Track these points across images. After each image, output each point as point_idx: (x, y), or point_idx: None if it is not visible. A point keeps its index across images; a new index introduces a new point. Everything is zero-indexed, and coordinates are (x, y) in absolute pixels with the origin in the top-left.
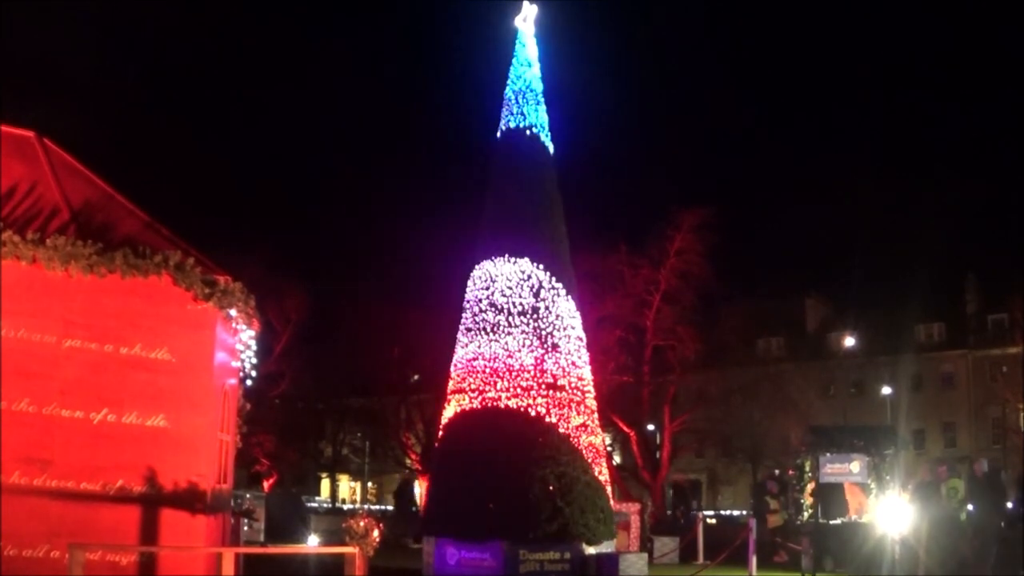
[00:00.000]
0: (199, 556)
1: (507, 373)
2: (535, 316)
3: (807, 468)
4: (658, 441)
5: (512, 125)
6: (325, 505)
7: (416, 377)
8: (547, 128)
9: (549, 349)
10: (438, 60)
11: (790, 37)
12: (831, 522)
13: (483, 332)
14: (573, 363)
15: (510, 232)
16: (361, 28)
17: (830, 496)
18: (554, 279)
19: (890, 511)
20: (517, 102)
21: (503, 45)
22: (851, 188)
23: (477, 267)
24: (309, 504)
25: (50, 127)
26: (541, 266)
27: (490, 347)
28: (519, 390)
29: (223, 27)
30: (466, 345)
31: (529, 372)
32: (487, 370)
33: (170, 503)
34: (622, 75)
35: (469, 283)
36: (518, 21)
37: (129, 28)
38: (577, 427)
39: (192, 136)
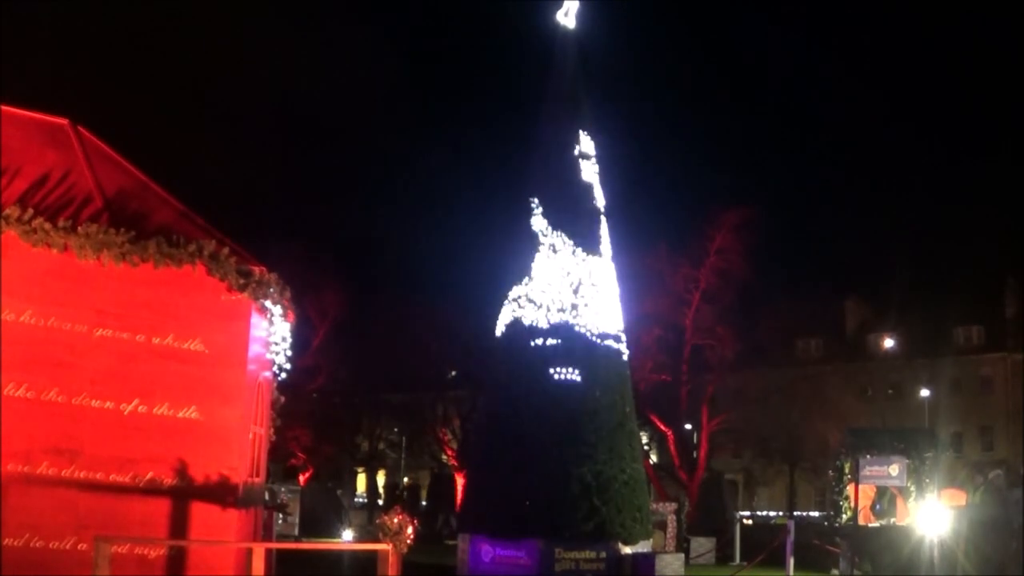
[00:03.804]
0: (229, 551)
1: (545, 370)
2: (574, 313)
3: (846, 470)
4: (695, 440)
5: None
6: (361, 500)
7: (453, 373)
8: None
9: (588, 346)
10: (482, 55)
11: (834, 37)
12: (869, 525)
13: (522, 328)
14: (611, 360)
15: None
16: (394, 26)
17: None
18: (593, 275)
19: (929, 514)
20: (558, 100)
21: (543, 41)
22: (892, 190)
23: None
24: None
25: (84, 114)
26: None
27: (529, 343)
28: (556, 387)
29: (260, 12)
30: (505, 342)
31: (568, 369)
32: (525, 366)
33: (201, 496)
34: (666, 72)
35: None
36: (559, 16)
37: (167, 13)
38: (614, 426)
39: (233, 128)
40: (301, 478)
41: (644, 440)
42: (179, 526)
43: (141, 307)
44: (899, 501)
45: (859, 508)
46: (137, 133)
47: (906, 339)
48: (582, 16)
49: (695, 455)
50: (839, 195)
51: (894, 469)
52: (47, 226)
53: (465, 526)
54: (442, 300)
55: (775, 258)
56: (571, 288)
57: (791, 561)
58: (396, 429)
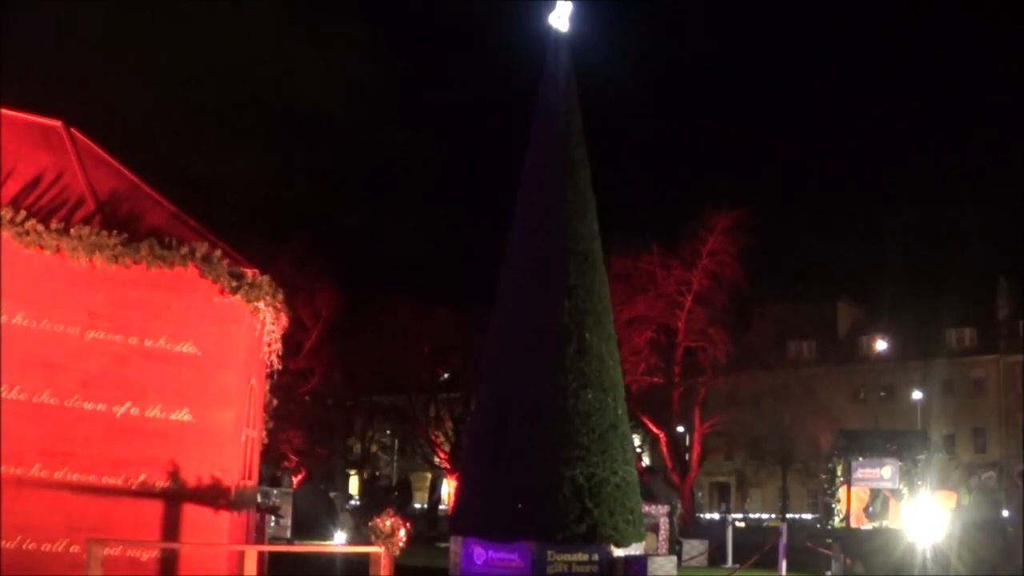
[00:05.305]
0: (221, 553)
1: (536, 372)
2: (568, 313)
3: (838, 472)
4: (687, 443)
5: (546, 126)
6: (354, 503)
7: (446, 375)
8: (579, 118)
9: (579, 348)
10: (475, 58)
11: (827, 38)
12: (862, 527)
13: (513, 329)
14: (603, 362)
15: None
16: (388, 27)
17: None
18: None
19: (921, 517)
20: (552, 103)
21: (533, 44)
22: (884, 191)
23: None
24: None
25: (78, 116)
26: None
27: (519, 344)
28: (549, 388)
29: (254, 10)
30: (495, 343)
31: (560, 371)
32: (516, 368)
33: (193, 499)
34: (658, 72)
35: (499, 279)
36: (552, 18)
37: (161, 13)
38: (607, 428)
39: (226, 129)
40: (293, 480)
41: (636, 442)
42: (171, 528)
43: (133, 309)
44: (892, 503)
45: (851, 510)
46: (130, 135)
47: (898, 341)
48: (575, 18)
49: (687, 457)
50: (831, 197)
51: (886, 471)
52: (40, 228)
53: (457, 528)
54: (435, 302)
55: (767, 260)
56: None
57: (783, 563)
58: (388, 431)
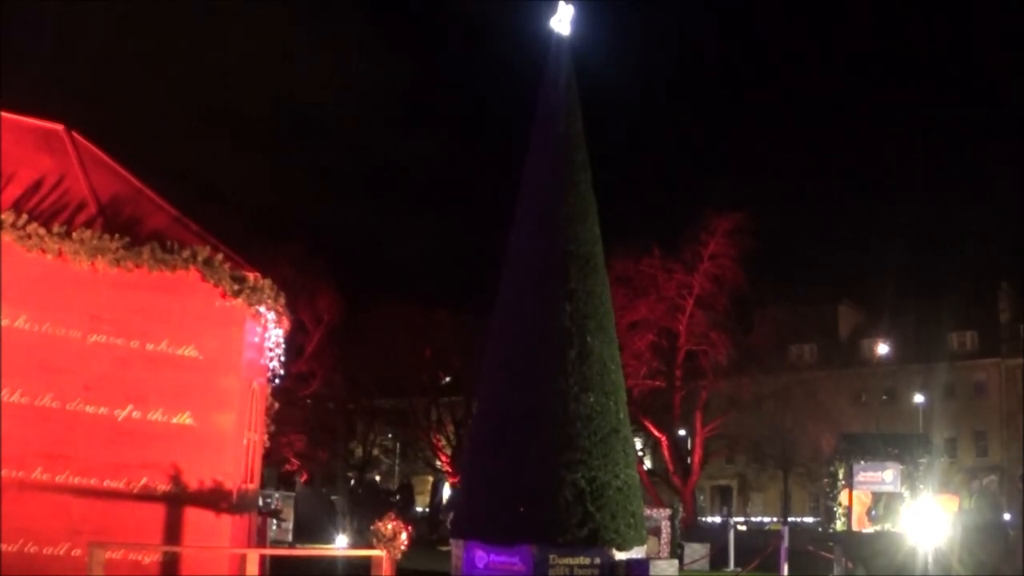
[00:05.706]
0: (223, 556)
1: (538, 375)
2: (569, 316)
3: (840, 475)
4: (689, 446)
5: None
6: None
7: (447, 379)
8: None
9: (581, 351)
10: (476, 62)
11: (828, 41)
12: (863, 530)
13: (514, 332)
14: (604, 365)
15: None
16: (391, 29)
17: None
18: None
19: (923, 520)
20: (553, 105)
21: (534, 47)
22: (884, 193)
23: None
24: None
25: (79, 119)
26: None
27: (521, 347)
28: (550, 392)
29: (256, 12)
30: (496, 346)
31: (561, 374)
32: (518, 371)
33: (195, 502)
34: (659, 75)
35: (500, 282)
36: (553, 22)
37: (161, 15)
38: (608, 431)
39: (227, 131)
40: (301, 483)
41: (638, 446)
42: (173, 532)
43: (135, 313)
44: (894, 506)
45: (853, 513)
46: (131, 138)
47: (900, 344)
48: (576, 22)
49: (689, 461)
50: (832, 198)
51: (888, 474)
52: (41, 231)
53: (459, 532)
54: (436, 304)
55: (768, 263)
56: (566, 292)
57: (785, 567)
58: (390, 435)
